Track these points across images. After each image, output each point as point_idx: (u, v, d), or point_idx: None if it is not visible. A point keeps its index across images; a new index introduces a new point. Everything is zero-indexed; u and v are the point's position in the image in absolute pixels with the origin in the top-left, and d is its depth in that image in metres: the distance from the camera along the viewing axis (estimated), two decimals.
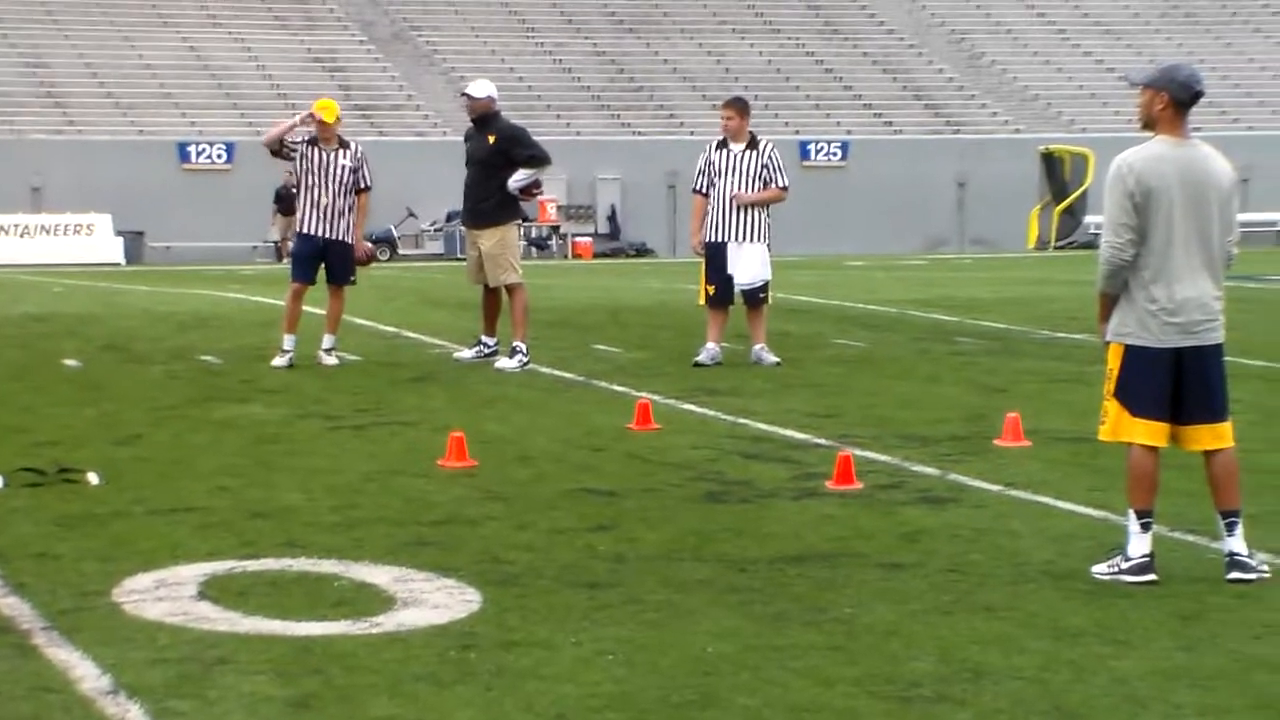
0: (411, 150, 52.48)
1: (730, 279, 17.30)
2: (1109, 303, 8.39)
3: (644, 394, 14.54)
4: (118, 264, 47.13)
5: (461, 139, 18.68)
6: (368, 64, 59.83)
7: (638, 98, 60.16)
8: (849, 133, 58.84)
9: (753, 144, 17.41)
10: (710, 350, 17.25)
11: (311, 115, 17.38)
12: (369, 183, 17.57)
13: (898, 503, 10.22)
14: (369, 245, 18.56)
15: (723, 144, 17.41)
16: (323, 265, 17.51)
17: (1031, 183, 55.22)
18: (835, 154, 57.57)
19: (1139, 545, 8.24)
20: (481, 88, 17.70)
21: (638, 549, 8.94)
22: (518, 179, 17.37)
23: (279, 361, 17.17)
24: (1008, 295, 28.38)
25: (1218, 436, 8.35)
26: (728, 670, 6.81)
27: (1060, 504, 10.16)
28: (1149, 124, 8.40)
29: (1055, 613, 7.67)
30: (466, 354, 17.90)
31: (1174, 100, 8.31)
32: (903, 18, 66.36)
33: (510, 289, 17.37)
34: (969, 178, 57.81)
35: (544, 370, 16.96)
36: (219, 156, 53.15)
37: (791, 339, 19.53)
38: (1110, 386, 8.36)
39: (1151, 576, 8.18)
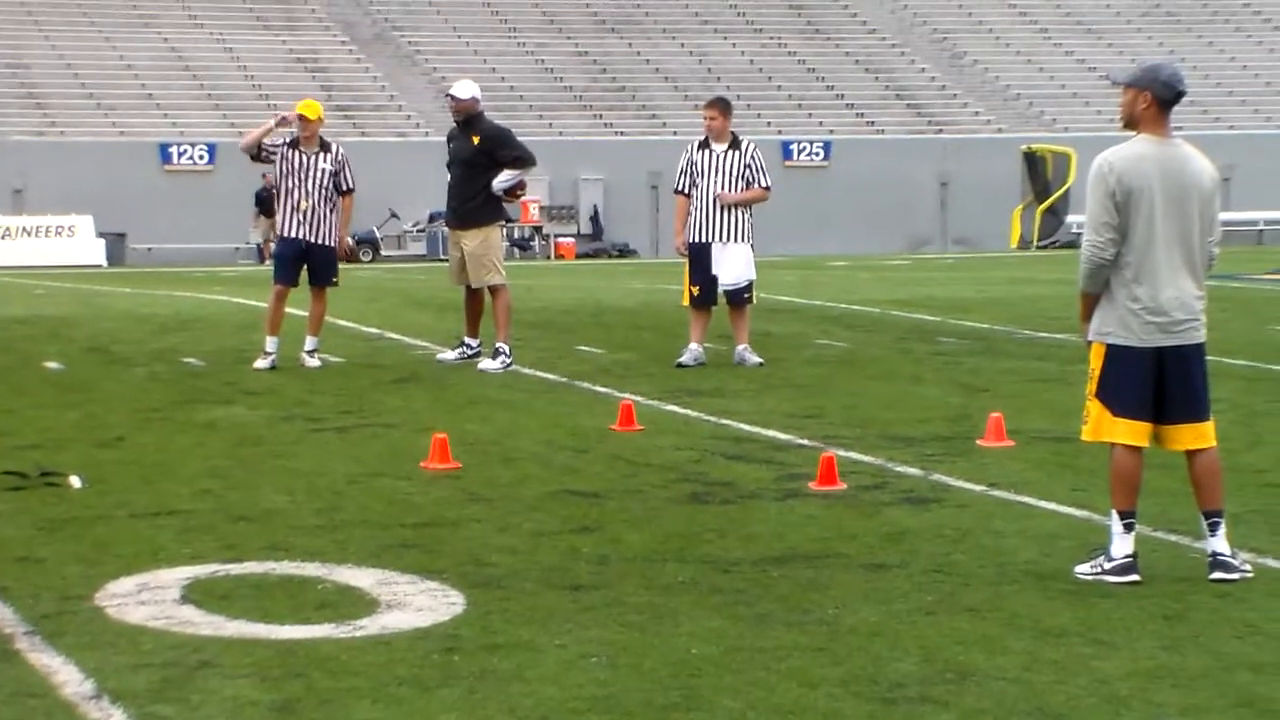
0: (394, 151, 52.46)
1: (714, 279, 17.30)
2: (1091, 302, 8.40)
3: (627, 395, 14.55)
4: (99, 266, 47.05)
5: (444, 139, 18.68)
6: (350, 64, 59.78)
7: (620, 98, 60.16)
8: (831, 132, 58.88)
9: (735, 144, 17.41)
10: (693, 351, 17.25)
11: (285, 118, 17.36)
12: (351, 185, 17.56)
13: (881, 503, 10.23)
14: (350, 242, 18.55)
15: (705, 144, 17.41)
16: (305, 267, 17.50)
17: (1014, 182, 55.28)
18: (818, 154, 57.61)
19: (1122, 545, 8.25)
20: (465, 88, 17.68)
21: (621, 550, 8.94)
22: (502, 180, 17.36)
23: (261, 363, 17.15)
24: (990, 295, 28.40)
25: (1200, 436, 8.36)
26: (711, 672, 6.81)
27: (1043, 504, 10.17)
28: (1131, 123, 8.41)
29: (1038, 613, 7.68)
30: (449, 355, 17.88)
31: (1156, 99, 8.32)
32: (885, 17, 66.42)
33: (493, 290, 17.37)
34: (951, 177, 57.88)
35: (527, 371, 16.95)
36: (201, 158, 53.07)
37: (774, 339, 19.54)
38: (1092, 387, 8.37)
39: (1134, 577, 8.19)
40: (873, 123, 60.77)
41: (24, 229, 49.18)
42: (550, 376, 16.65)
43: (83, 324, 23.26)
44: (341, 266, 18.00)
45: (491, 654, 7.04)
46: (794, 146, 57.08)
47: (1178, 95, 8.35)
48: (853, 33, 65.36)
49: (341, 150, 17.69)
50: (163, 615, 7.67)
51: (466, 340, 17.79)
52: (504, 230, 18.20)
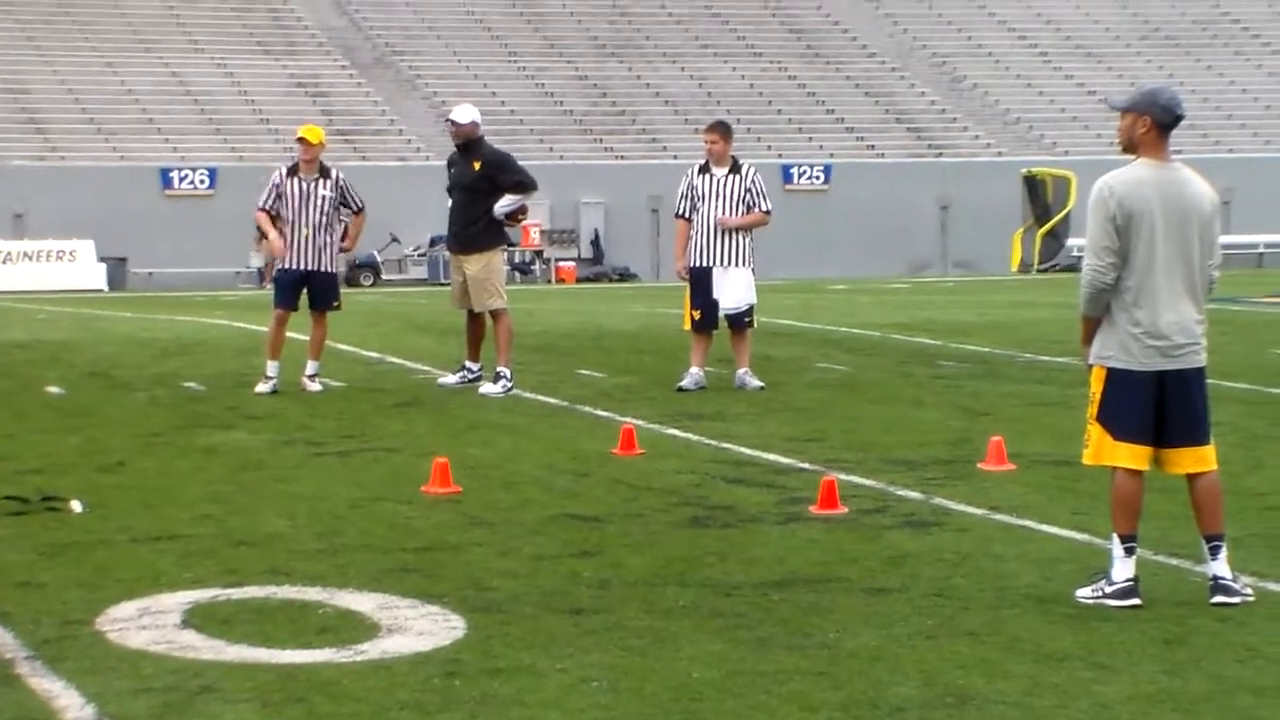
0: (394, 175, 52.53)
1: (715, 303, 17.32)
2: (1092, 326, 8.41)
3: (628, 419, 14.55)
4: (100, 290, 47.10)
5: (444, 164, 18.69)
6: (350, 89, 59.87)
7: (620, 122, 60.26)
8: (831, 156, 58.97)
9: (735, 168, 17.43)
10: (694, 375, 17.26)
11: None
12: (360, 203, 17.65)
13: (882, 527, 10.22)
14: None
15: (705, 168, 17.43)
16: (305, 292, 17.52)
17: (1014, 206, 55.37)
18: (818, 177, 57.69)
19: (1123, 569, 8.25)
20: (466, 113, 17.70)
21: (622, 574, 8.94)
22: (504, 204, 17.39)
23: (263, 388, 17.16)
24: (991, 318, 28.42)
25: (1200, 460, 8.37)
26: (712, 696, 6.80)
27: (1044, 528, 10.17)
28: (1130, 147, 8.42)
29: (1039, 637, 7.68)
30: (450, 379, 17.89)
31: (1156, 123, 8.33)
32: (884, 41, 66.53)
33: (495, 314, 17.39)
34: (951, 201, 57.95)
35: (528, 395, 16.95)
36: (201, 182, 53.15)
37: (774, 363, 19.54)
38: (1093, 410, 8.37)
39: (1135, 601, 8.19)
40: (873, 146, 60.86)
41: (25, 253, 49.27)
42: (551, 400, 16.65)
43: (84, 349, 23.27)
44: (343, 291, 18.03)
45: (492, 678, 7.04)
46: (794, 170, 57.17)
47: (1177, 119, 8.37)
48: (852, 57, 65.47)
49: (341, 175, 17.71)
50: (164, 640, 7.67)
51: (467, 364, 17.80)
52: (505, 254, 18.19)
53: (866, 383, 18.20)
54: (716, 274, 17.33)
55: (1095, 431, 8.35)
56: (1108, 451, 8.31)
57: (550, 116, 59.70)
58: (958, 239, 57.67)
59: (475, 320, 17.62)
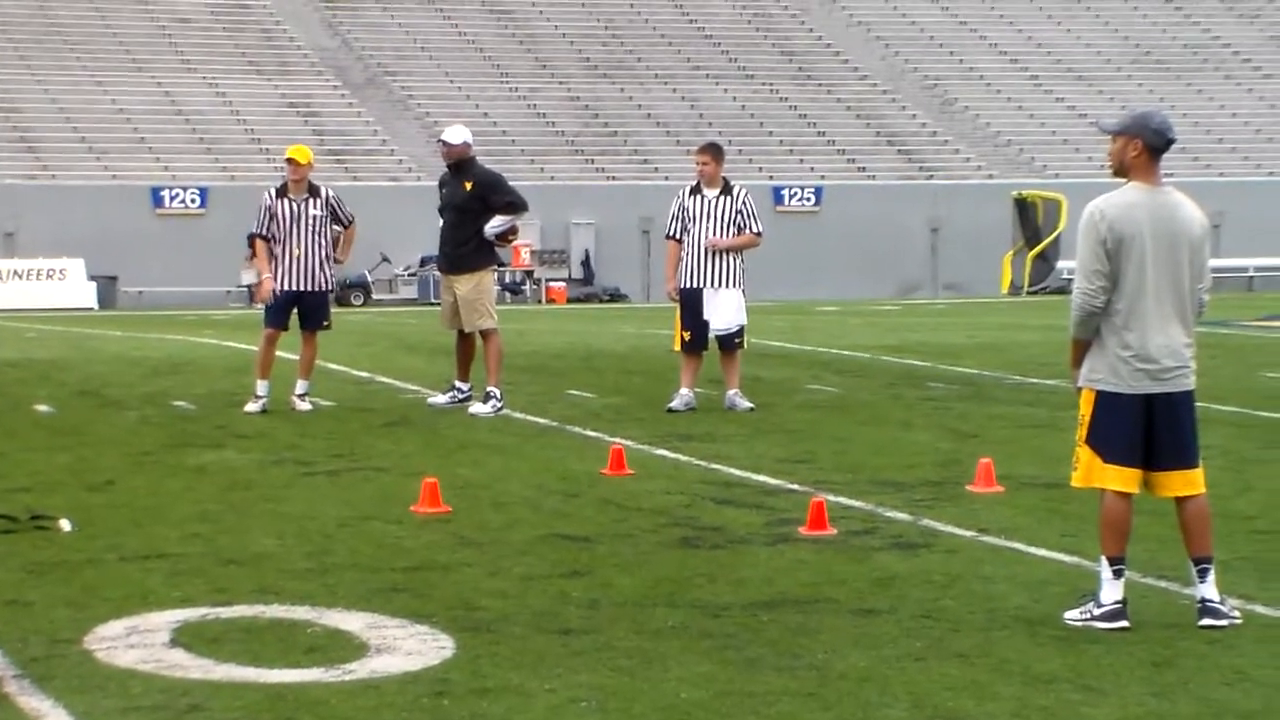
0: (386, 195, 52.54)
1: (705, 324, 17.33)
2: (1081, 349, 8.42)
3: (618, 439, 14.55)
4: (91, 309, 47.05)
5: (435, 184, 18.71)
6: (342, 109, 59.88)
7: (612, 142, 60.30)
8: (822, 178, 59.02)
9: (727, 189, 17.45)
10: (684, 396, 17.27)
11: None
12: (351, 217, 17.71)
13: (871, 548, 10.23)
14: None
15: (697, 189, 17.45)
16: (295, 311, 17.52)
17: (1004, 228, 55.43)
18: (809, 199, 57.74)
19: (1111, 592, 8.26)
20: (457, 134, 17.73)
21: (611, 595, 8.94)
22: (495, 225, 17.40)
23: (252, 407, 17.15)
24: (981, 340, 28.43)
25: (1189, 483, 8.37)
26: (701, 716, 6.80)
27: (1033, 550, 10.17)
28: (1121, 171, 8.43)
29: (1027, 659, 7.68)
30: (440, 399, 17.89)
31: (1147, 147, 8.34)
32: (875, 63, 66.62)
33: (485, 334, 17.40)
34: (942, 223, 58.00)
35: (518, 415, 16.96)
36: (192, 201, 53.15)
37: (764, 384, 19.55)
38: (1082, 433, 8.38)
39: (1124, 623, 8.19)
40: (864, 168, 60.93)
41: (15, 272, 49.24)
42: (541, 421, 16.65)
43: (74, 367, 23.25)
44: (333, 310, 18.04)
45: (481, 698, 7.04)
46: (785, 192, 57.20)
47: (1168, 143, 8.39)
48: (844, 79, 65.55)
49: (330, 192, 17.74)
50: (152, 659, 7.66)
51: (457, 384, 17.81)
52: (495, 274, 18.19)
53: (856, 404, 18.21)
54: (707, 295, 17.35)
55: (1084, 454, 8.36)
56: (1097, 474, 8.32)
57: (541, 137, 59.74)
58: (948, 261, 57.71)
59: (465, 340, 17.63)
